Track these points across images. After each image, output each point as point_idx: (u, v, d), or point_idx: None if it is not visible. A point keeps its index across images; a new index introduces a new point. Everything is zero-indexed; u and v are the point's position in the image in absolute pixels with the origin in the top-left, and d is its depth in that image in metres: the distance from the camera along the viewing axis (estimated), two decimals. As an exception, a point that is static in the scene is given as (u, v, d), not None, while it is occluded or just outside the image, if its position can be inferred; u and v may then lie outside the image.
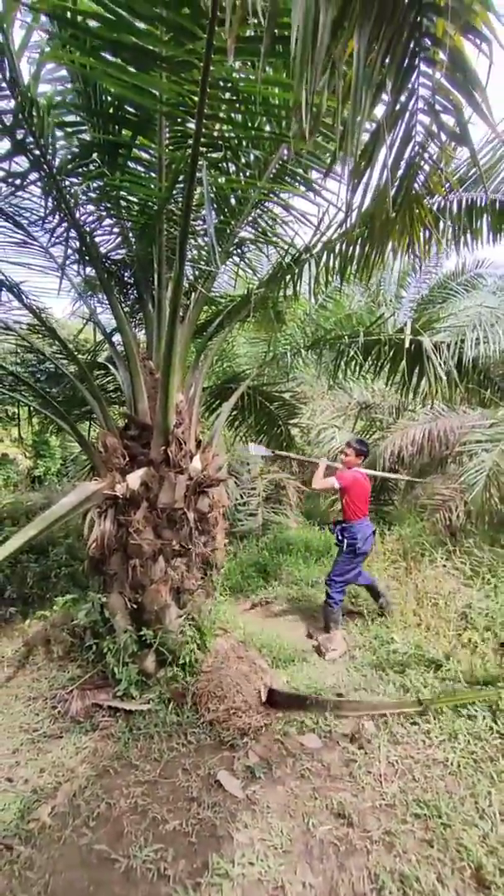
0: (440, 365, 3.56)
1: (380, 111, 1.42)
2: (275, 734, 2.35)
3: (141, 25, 1.92)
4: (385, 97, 1.30)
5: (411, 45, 1.21)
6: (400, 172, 1.53)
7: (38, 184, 2.69)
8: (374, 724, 2.35)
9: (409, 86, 1.31)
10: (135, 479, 2.80)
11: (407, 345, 3.52)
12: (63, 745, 2.27)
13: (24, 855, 1.70)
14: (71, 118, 2.54)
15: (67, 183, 2.64)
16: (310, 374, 6.89)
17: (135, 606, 2.81)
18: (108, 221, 2.96)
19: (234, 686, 2.69)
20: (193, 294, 3.15)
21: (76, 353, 3.30)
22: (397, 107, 1.33)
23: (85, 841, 1.76)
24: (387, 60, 1.22)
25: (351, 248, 3.32)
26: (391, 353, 3.86)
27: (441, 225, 3.25)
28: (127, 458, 2.87)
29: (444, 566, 4.20)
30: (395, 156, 1.43)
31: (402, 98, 1.32)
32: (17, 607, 4.55)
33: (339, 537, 3.65)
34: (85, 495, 2.68)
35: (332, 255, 3.38)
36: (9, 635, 3.59)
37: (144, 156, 2.66)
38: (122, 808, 1.90)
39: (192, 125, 2.36)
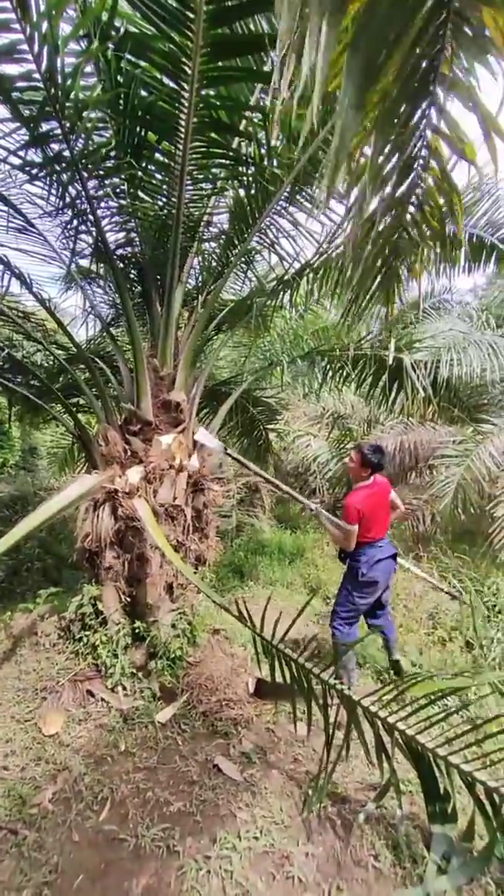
0: (418, 381, 3.85)
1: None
2: (266, 723, 2.46)
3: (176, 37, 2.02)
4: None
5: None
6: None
7: (55, 176, 2.70)
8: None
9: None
10: (136, 473, 2.85)
11: (391, 361, 3.77)
12: (57, 734, 2.28)
13: (31, 838, 1.72)
14: (96, 115, 2.58)
15: (86, 176, 2.68)
16: (286, 382, 7.12)
17: (129, 600, 2.85)
18: (120, 219, 3.00)
19: (224, 679, 2.79)
20: (201, 296, 3.24)
21: (80, 346, 3.28)
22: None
23: (90, 823, 1.80)
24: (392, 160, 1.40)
25: (346, 265, 3.56)
26: (374, 368, 4.11)
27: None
28: (128, 453, 2.91)
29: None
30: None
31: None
32: (-15, 601, 4.42)
33: (342, 555, 2.99)
34: (86, 487, 2.70)
35: (329, 271, 3.59)
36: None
37: (164, 160, 2.74)
38: (124, 793, 1.95)
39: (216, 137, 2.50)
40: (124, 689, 2.62)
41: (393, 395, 4.12)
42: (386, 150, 1.27)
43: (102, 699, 2.55)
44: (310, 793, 1.96)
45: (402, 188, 1.47)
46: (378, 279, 2.04)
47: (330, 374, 4.28)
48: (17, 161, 2.74)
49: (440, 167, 1.41)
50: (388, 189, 1.44)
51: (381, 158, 1.28)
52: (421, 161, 1.38)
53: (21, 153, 2.63)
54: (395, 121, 1.16)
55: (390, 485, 3.03)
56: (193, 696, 2.60)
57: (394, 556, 2.92)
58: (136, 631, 2.78)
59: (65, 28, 2.09)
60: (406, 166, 1.36)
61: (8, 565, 4.72)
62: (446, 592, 3.94)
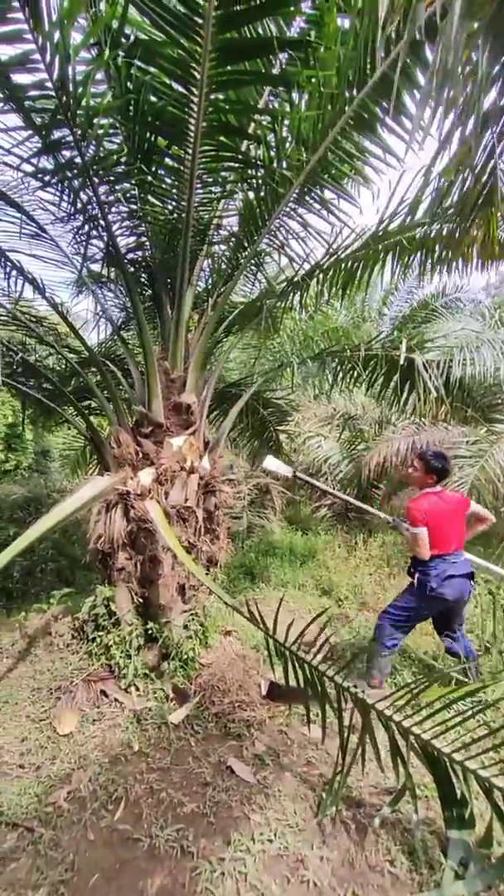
0: (430, 381, 3.80)
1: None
2: (278, 726, 2.45)
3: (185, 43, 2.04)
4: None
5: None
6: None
7: (66, 182, 2.74)
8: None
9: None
10: (147, 475, 2.87)
11: (402, 361, 3.73)
12: (72, 734, 2.30)
13: (47, 836, 1.73)
14: (107, 121, 2.61)
15: (97, 182, 2.72)
16: (296, 383, 7.12)
17: (141, 601, 2.87)
18: (131, 223, 3.03)
19: (236, 681, 2.79)
20: (211, 299, 3.25)
21: (91, 350, 3.32)
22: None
23: (105, 823, 1.81)
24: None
25: (356, 265, 3.54)
26: (385, 368, 4.08)
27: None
28: (140, 455, 2.93)
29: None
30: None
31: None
32: (1, 602, 4.49)
33: (411, 570, 2.81)
34: (99, 489, 2.73)
35: (338, 272, 3.57)
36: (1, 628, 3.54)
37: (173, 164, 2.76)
38: (138, 793, 1.95)
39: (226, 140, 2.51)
40: (137, 689, 2.64)
41: (405, 395, 4.08)
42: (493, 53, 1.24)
43: (116, 699, 2.57)
44: (324, 796, 1.95)
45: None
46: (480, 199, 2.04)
47: (340, 374, 4.26)
48: (29, 168, 2.80)
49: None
50: (493, 94, 1.39)
51: (488, 60, 1.25)
52: None
53: (34, 160, 2.68)
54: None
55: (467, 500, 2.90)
56: (206, 698, 2.60)
57: (470, 576, 2.70)
58: (149, 632, 2.80)
59: (76, 37, 2.13)
60: None
61: (22, 566, 4.78)
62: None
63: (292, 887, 1.59)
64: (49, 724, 2.37)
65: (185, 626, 2.91)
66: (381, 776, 2.09)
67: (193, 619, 2.94)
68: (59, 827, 1.79)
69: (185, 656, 2.78)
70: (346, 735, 1.83)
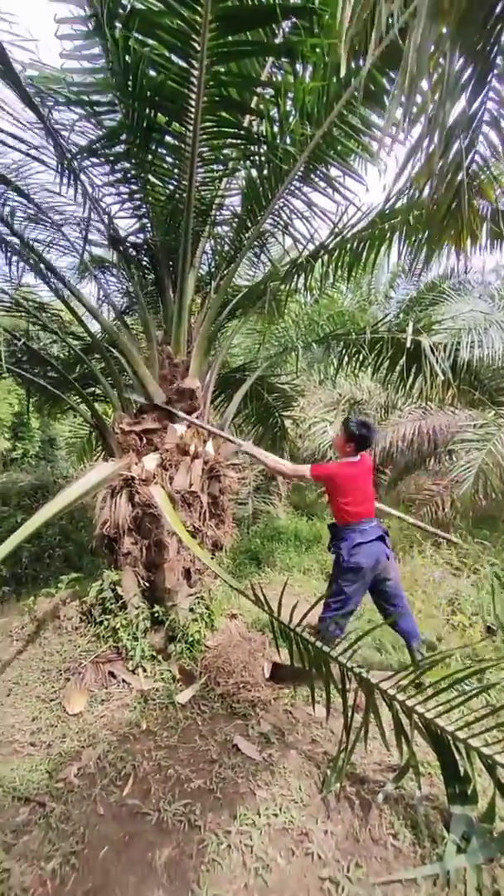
0: (437, 364, 3.73)
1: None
2: (283, 705, 2.49)
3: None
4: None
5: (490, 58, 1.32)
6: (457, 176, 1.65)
7: (67, 164, 2.69)
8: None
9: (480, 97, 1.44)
10: (151, 461, 2.87)
11: (409, 344, 3.67)
12: (81, 713, 2.35)
13: (58, 811, 1.79)
14: (101, 98, 2.53)
15: (91, 164, 2.66)
16: (301, 368, 7.04)
17: (147, 585, 2.90)
18: (130, 205, 2.98)
19: (241, 662, 2.82)
20: (214, 282, 3.21)
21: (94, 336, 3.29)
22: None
23: (114, 798, 1.86)
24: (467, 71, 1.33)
25: (362, 246, 3.46)
26: (391, 351, 4.02)
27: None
28: (144, 441, 2.93)
29: (432, 556, 4.44)
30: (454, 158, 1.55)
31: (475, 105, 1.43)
32: (10, 587, 4.55)
33: (330, 547, 2.83)
34: (104, 475, 2.74)
35: (344, 253, 3.50)
36: (9, 612, 3.60)
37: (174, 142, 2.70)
38: (146, 770, 2.00)
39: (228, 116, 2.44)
40: (144, 671, 2.68)
41: (411, 379, 4.02)
42: (461, 59, 1.23)
43: (124, 680, 2.62)
44: (328, 773, 1.98)
45: (477, 101, 1.41)
46: (452, 207, 2.01)
47: (346, 359, 4.21)
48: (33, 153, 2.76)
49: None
50: (463, 101, 1.39)
51: (458, 65, 1.24)
52: (495, 70, 1.31)
53: (34, 143, 2.64)
54: (471, 26, 1.11)
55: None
56: (212, 679, 2.64)
57: (381, 539, 2.70)
58: (156, 615, 2.84)
59: (73, 9, 2.06)
60: (481, 76, 1.29)
61: (31, 552, 4.84)
62: (442, 537, 3.63)
63: (297, 859, 1.63)
64: (59, 704, 2.42)
65: (191, 610, 2.94)
66: (384, 754, 2.12)
67: (199, 603, 2.97)
68: (70, 802, 1.84)
69: (191, 639, 2.81)
70: (350, 714, 1.86)
